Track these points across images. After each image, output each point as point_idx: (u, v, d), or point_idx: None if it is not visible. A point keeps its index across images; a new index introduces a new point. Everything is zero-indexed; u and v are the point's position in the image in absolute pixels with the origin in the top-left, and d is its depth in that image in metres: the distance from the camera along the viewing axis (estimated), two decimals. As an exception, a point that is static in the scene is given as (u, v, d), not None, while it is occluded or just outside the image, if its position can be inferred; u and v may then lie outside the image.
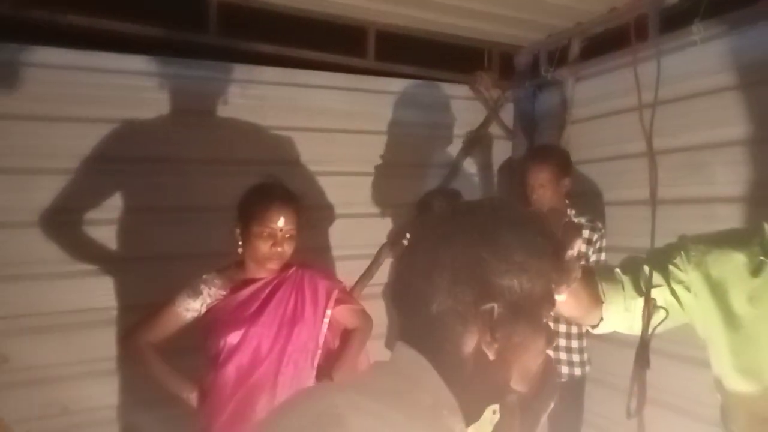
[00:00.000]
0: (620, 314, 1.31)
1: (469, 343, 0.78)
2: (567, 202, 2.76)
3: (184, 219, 2.53)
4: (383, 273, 3.02)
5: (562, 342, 2.69)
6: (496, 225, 0.80)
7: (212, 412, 1.94)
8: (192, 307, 2.00)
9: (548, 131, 3.27)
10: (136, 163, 2.48)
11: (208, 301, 2.01)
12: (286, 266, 2.07)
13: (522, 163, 3.07)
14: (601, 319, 1.31)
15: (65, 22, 2.39)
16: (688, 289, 1.30)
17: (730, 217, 2.24)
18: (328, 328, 2.11)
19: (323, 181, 2.89)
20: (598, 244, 2.68)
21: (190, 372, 2.04)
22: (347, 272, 2.79)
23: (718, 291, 1.26)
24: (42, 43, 2.32)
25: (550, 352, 2.77)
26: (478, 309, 0.77)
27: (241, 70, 2.71)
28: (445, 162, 3.25)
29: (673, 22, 2.50)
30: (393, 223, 3.07)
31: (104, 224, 2.44)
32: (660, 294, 1.30)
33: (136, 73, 2.49)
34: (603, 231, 2.71)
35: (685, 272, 1.30)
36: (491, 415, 0.82)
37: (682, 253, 1.32)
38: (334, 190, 2.91)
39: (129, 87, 2.47)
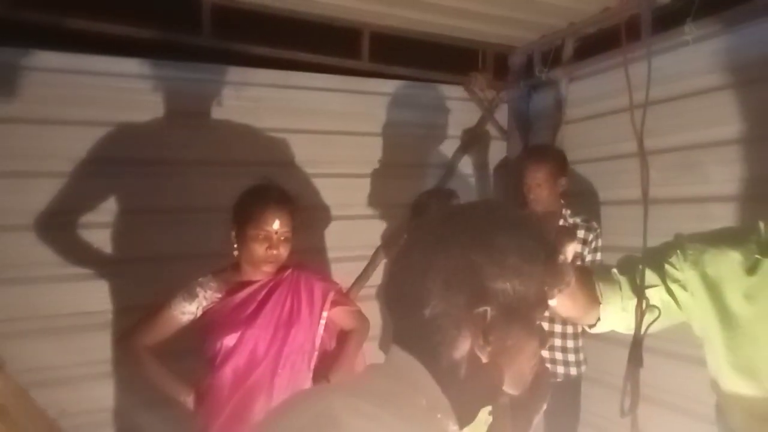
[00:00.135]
0: (617, 314, 1.31)
1: (463, 347, 0.79)
2: (562, 202, 2.77)
3: (179, 221, 2.53)
4: (380, 274, 3.02)
5: (558, 342, 2.70)
6: (489, 228, 0.81)
7: (209, 414, 1.94)
8: (188, 310, 2.00)
9: (543, 131, 3.28)
10: (132, 166, 2.48)
11: (204, 303, 2.01)
12: (282, 268, 2.07)
13: (518, 162, 3.08)
14: (599, 319, 1.32)
15: (60, 24, 2.39)
16: (684, 288, 1.30)
17: (724, 216, 2.25)
18: (325, 330, 2.11)
19: (318, 183, 2.89)
20: (593, 244, 2.68)
21: (187, 374, 2.04)
22: (343, 274, 2.79)
23: (714, 289, 1.27)
24: (36, 46, 2.32)
25: (546, 353, 2.77)
26: (471, 312, 0.77)
27: (235, 72, 2.71)
28: (441, 163, 3.26)
29: (666, 22, 2.50)
30: (389, 225, 3.08)
31: (101, 227, 2.44)
32: (657, 293, 1.30)
33: (131, 75, 2.49)
34: (598, 231, 2.71)
35: (682, 271, 1.31)
36: (486, 416, 0.83)
37: (678, 251, 1.32)
38: (329, 191, 2.92)
39: (124, 90, 2.46)
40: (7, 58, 2.27)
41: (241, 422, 1.88)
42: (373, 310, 2.41)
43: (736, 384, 1.26)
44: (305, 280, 2.11)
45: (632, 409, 1.27)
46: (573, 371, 2.71)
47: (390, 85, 3.12)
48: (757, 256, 1.23)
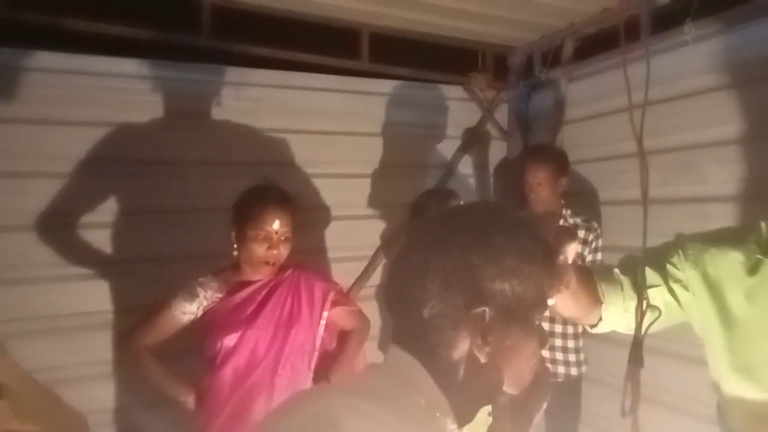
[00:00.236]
0: (619, 315, 1.31)
1: (461, 347, 0.79)
2: (562, 202, 2.77)
3: (179, 221, 2.53)
4: (380, 274, 3.02)
5: (559, 342, 2.69)
6: (488, 229, 0.81)
7: (209, 415, 1.94)
8: (188, 310, 2.00)
9: (542, 131, 3.28)
10: (131, 166, 2.47)
11: (205, 303, 2.01)
12: (282, 268, 2.07)
13: (519, 162, 3.08)
14: (600, 319, 1.31)
15: (59, 25, 2.39)
16: (686, 287, 1.30)
17: (723, 216, 2.25)
18: (325, 330, 2.11)
19: (318, 183, 2.89)
20: (593, 244, 2.69)
21: (187, 374, 2.04)
22: (344, 274, 2.79)
23: (715, 289, 1.27)
24: (36, 46, 2.32)
25: (546, 353, 2.76)
26: (469, 313, 0.77)
27: (235, 73, 2.71)
28: (440, 163, 3.26)
29: (665, 22, 2.50)
30: (389, 225, 3.08)
31: (101, 227, 2.44)
32: (658, 293, 1.30)
33: (130, 76, 2.49)
34: (599, 231, 2.72)
35: (683, 271, 1.31)
36: (486, 417, 0.83)
37: (679, 251, 1.32)
38: (329, 191, 2.92)
39: (123, 90, 2.46)
40: (6, 58, 2.27)
41: (241, 422, 1.88)
42: (373, 310, 2.41)
43: (736, 384, 1.26)
44: (305, 280, 2.11)
45: (633, 410, 1.27)
46: (574, 371, 2.71)
47: (389, 86, 3.12)
48: (758, 256, 1.23)
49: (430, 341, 0.79)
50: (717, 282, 1.27)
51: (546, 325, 2.65)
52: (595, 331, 1.35)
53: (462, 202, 2.12)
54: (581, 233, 2.67)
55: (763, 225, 1.27)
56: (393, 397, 0.75)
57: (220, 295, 2.02)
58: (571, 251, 0.92)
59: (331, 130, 2.91)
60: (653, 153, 2.34)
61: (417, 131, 3.20)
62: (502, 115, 3.43)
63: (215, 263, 2.11)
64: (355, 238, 2.97)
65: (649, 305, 1.28)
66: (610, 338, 1.46)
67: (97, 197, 2.44)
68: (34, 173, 2.32)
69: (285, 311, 2.03)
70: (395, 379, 0.79)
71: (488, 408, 0.86)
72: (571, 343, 2.70)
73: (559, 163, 2.76)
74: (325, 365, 2.09)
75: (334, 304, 2.14)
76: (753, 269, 1.23)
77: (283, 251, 2.01)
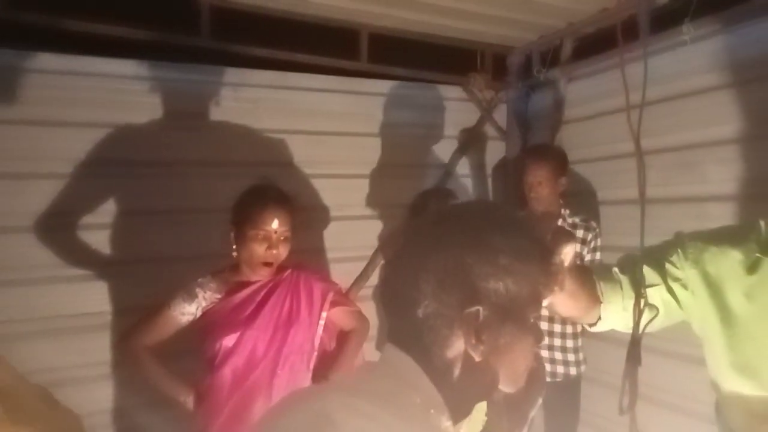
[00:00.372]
0: (618, 314, 1.31)
1: (456, 346, 0.79)
2: (561, 202, 2.78)
3: (178, 221, 2.53)
4: (379, 275, 3.03)
5: (558, 342, 2.70)
6: (483, 228, 0.81)
7: (209, 415, 1.94)
8: (187, 311, 2.01)
9: (541, 131, 3.28)
10: (130, 167, 2.48)
11: (204, 304, 2.01)
12: (281, 268, 2.07)
13: (519, 161, 3.08)
14: (599, 318, 1.31)
15: (59, 26, 2.39)
16: (685, 286, 1.30)
17: (722, 216, 2.25)
18: (324, 330, 2.11)
19: (317, 183, 2.89)
20: (592, 244, 2.69)
21: (187, 375, 2.04)
22: (343, 274, 2.79)
23: (714, 288, 1.27)
24: (35, 47, 2.32)
25: (545, 352, 2.76)
26: (463, 312, 0.78)
27: (234, 73, 2.71)
28: (439, 163, 3.26)
29: (664, 21, 2.51)
30: (387, 225, 3.08)
31: (100, 228, 2.44)
32: (657, 292, 1.30)
33: (129, 77, 2.49)
34: (597, 230, 2.72)
35: (682, 269, 1.31)
36: (482, 417, 0.84)
37: (678, 250, 1.32)
38: (328, 191, 2.92)
39: (123, 91, 2.47)
40: (5, 59, 2.27)
41: (241, 423, 1.88)
42: (372, 311, 2.41)
43: (735, 383, 1.26)
44: (304, 280, 2.11)
45: (630, 407, 1.27)
46: (572, 371, 2.71)
47: (388, 86, 3.12)
48: (757, 254, 1.23)
49: (424, 340, 0.80)
50: (716, 281, 1.27)
51: (545, 325, 2.66)
52: (594, 330, 1.35)
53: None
54: (580, 233, 2.67)
55: (762, 224, 1.27)
56: (390, 396, 0.76)
57: (219, 296, 2.03)
58: (569, 252, 0.92)
59: (330, 130, 2.91)
60: (652, 152, 2.35)
61: (416, 131, 3.20)
62: (501, 115, 3.44)
63: (215, 264, 2.11)
64: (353, 239, 2.97)
65: (647, 304, 1.28)
66: (610, 338, 1.47)
67: (97, 198, 2.44)
68: (34, 174, 2.32)
69: (284, 311, 2.03)
70: (391, 378, 0.79)
71: (485, 409, 0.86)
72: (570, 343, 2.70)
73: (560, 162, 2.77)
74: (325, 365, 2.09)
75: (333, 304, 2.14)
76: (752, 268, 1.23)
77: (282, 251, 2.01)
